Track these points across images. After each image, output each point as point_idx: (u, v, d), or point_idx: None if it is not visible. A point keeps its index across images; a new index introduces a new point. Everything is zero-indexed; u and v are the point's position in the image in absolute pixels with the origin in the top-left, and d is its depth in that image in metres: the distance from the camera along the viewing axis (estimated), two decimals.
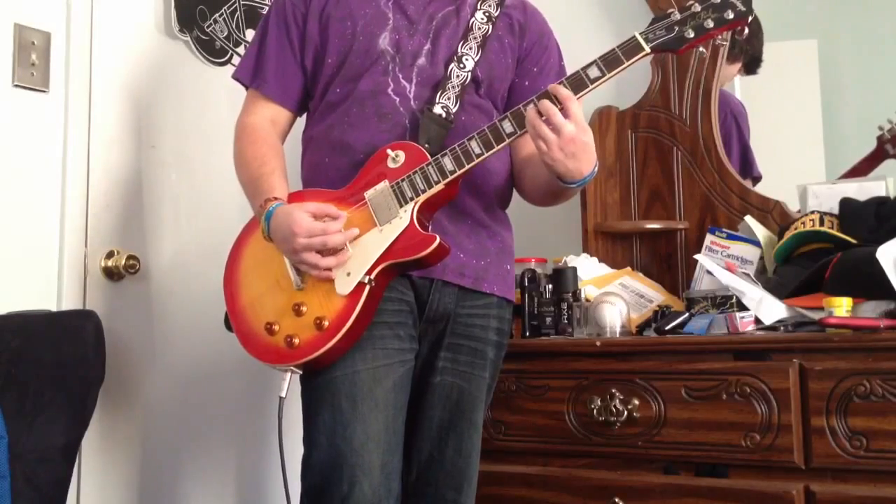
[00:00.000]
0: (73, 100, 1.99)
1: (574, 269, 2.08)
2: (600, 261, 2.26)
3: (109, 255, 2.03)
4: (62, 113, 1.98)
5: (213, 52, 2.27)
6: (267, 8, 1.94)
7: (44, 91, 1.95)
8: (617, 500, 1.79)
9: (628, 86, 2.39)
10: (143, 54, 2.15)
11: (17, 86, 1.91)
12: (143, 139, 2.15)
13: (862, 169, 2.20)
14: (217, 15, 2.29)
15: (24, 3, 1.93)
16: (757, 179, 2.33)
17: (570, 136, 1.48)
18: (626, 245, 2.37)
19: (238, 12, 2.35)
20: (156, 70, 2.18)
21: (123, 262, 2.02)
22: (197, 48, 2.24)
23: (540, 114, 1.49)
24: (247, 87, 1.77)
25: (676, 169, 2.32)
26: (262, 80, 1.73)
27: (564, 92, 1.49)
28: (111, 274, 2.03)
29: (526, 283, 2.05)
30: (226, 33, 2.31)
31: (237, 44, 2.32)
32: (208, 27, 2.27)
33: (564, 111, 1.48)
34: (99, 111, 2.04)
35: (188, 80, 2.24)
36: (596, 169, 1.57)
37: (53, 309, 1.91)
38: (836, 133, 2.31)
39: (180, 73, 2.23)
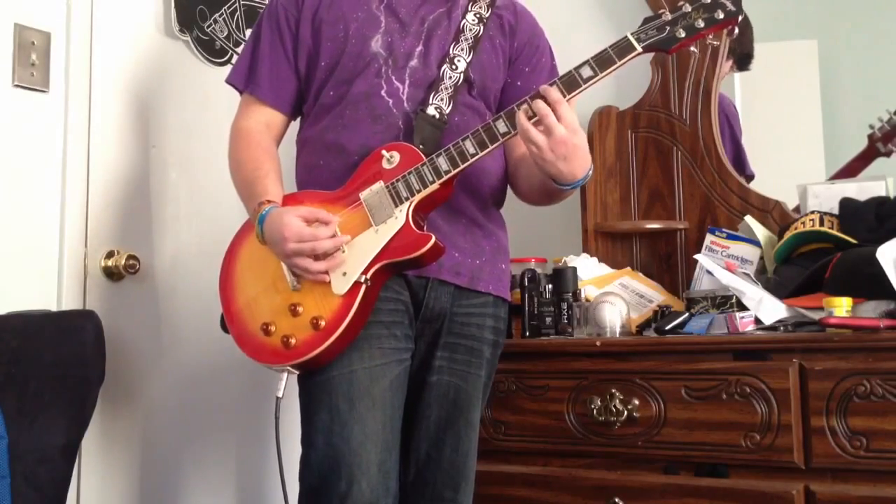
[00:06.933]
0: (73, 100, 1.99)
1: (574, 269, 2.08)
2: (600, 261, 2.26)
3: (109, 255, 2.03)
4: (62, 113, 1.98)
5: (213, 52, 2.28)
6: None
7: (44, 91, 1.95)
8: (617, 500, 1.79)
9: (628, 86, 2.39)
10: (143, 54, 2.15)
11: (17, 86, 1.91)
12: (144, 139, 2.15)
13: (854, 168, 2.20)
14: (217, 15, 2.29)
15: (24, 3, 1.93)
16: (750, 178, 2.33)
17: (562, 138, 1.49)
18: (626, 245, 2.37)
19: (238, 12, 2.35)
20: (156, 70, 2.18)
21: (123, 262, 2.02)
22: (197, 48, 2.24)
23: (532, 115, 1.50)
24: (241, 92, 1.78)
25: (676, 169, 2.32)
26: (255, 84, 1.74)
27: (555, 95, 1.49)
28: (111, 274, 2.03)
29: (526, 283, 2.05)
30: (226, 33, 2.31)
31: (237, 44, 2.32)
32: (208, 27, 2.27)
33: (555, 114, 1.49)
34: (99, 111, 2.05)
35: (188, 80, 2.24)
36: (591, 172, 1.57)
37: (53, 309, 1.91)
38: (836, 133, 2.31)
39: (180, 73, 2.23)
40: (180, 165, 2.21)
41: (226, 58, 2.30)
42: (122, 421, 2.06)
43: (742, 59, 2.39)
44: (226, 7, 2.32)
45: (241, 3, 2.36)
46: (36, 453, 1.61)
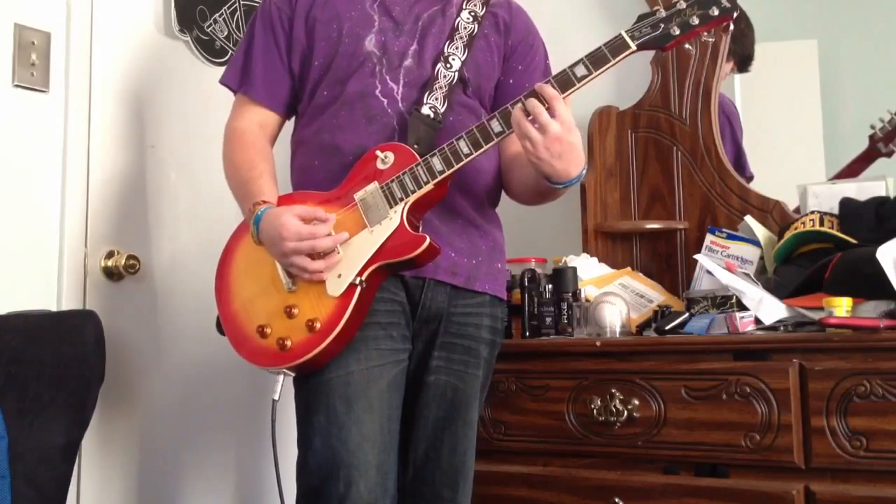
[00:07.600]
0: (73, 100, 1.99)
1: (574, 269, 2.08)
2: (600, 261, 2.26)
3: (109, 255, 2.03)
4: (62, 113, 1.98)
5: (212, 51, 2.28)
6: None
7: (44, 91, 1.95)
8: (617, 500, 1.79)
9: (628, 86, 2.39)
10: (143, 54, 2.15)
11: (17, 86, 1.91)
12: (143, 139, 2.15)
13: (855, 168, 2.20)
14: (217, 15, 2.30)
15: (24, 3, 1.93)
16: (749, 180, 2.33)
17: (556, 135, 1.48)
18: (626, 245, 2.37)
19: (238, 12, 2.35)
20: (156, 70, 2.18)
21: (123, 262, 2.02)
22: (197, 48, 2.24)
23: (526, 113, 1.49)
24: (235, 92, 1.77)
25: (676, 169, 2.32)
26: (249, 84, 1.73)
27: (550, 91, 1.49)
28: (111, 274, 2.03)
29: (526, 283, 2.05)
30: (225, 33, 2.31)
31: (237, 44, 2.31)
32: (208, 27, 2.27)
33: (550, 110, 1.48)
34: (99, 111, 2.05)
35: (188, 80, 2.24)
36: (584, 172, 1.57)
37: (53, 309, 1.91)
38: (835, 133, 2.31)
39: (180, 73, 2.23)
40: (180, 165, 2.21)
41: (226, 58, 2.29)
42: (122, 421, 2.06)
43: (743, 61, 2.38)
44: (226, 7, 2.32)
45: (241, 2, 2.36)
46: (36, 453, 1.61)
